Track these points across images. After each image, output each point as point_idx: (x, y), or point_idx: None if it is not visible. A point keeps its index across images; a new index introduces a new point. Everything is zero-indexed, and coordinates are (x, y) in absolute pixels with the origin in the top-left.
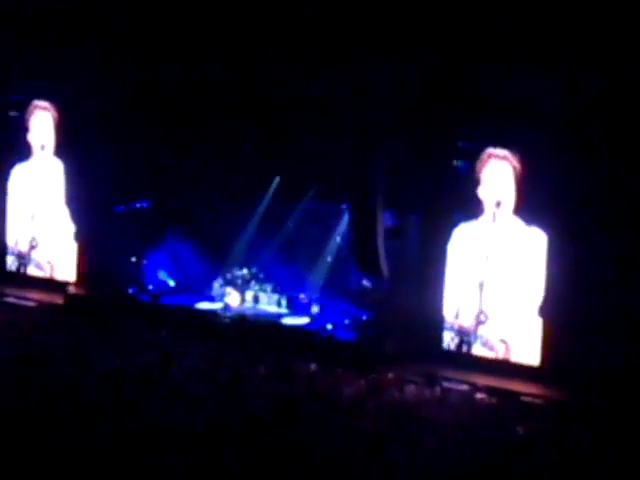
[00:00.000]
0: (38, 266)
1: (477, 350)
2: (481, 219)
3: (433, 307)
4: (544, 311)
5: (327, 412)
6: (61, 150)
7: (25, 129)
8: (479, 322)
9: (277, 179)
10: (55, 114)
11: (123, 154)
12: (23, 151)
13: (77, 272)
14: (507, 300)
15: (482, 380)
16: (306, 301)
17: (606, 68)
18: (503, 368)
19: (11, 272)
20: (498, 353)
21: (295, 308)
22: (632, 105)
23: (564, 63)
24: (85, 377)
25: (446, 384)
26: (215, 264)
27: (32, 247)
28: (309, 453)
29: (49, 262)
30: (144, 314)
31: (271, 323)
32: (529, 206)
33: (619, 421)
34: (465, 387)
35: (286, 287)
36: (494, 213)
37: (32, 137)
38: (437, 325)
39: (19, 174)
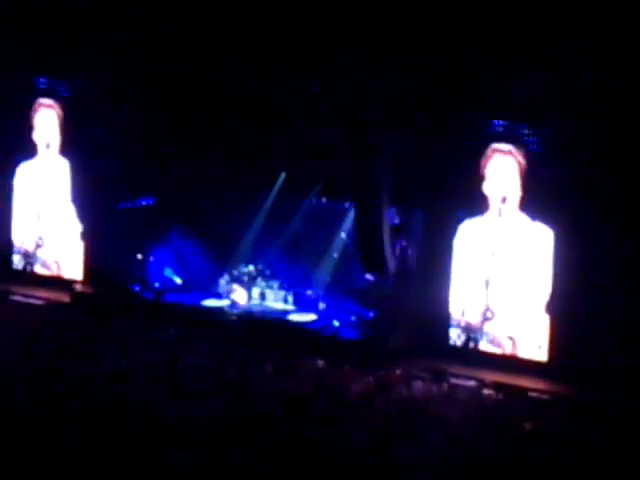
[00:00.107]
0: (44, 265)
1: (484, 347)
2: (487, 215)
3: (439, 303)
4: (551, 307)
5: (334, 409)
6: (66, 148)
7: (30, 127)
8: (485, 319)
9: (283, 175)
10: (60, 112)
11: (127, 151)
12: (28, 150)
13: (83, 270)
14: (513, 296)
15: (489, 376)
16: (313, 297)
17: (612, 64)
18: (510, 364)
19: (18, 270)
20: (505, 350)
21: (302, 305)
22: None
23: (568, 58)
24: (92, 375)
25: (453, 380)
26: (221, 261)
27: (38, 246)
28: (317, 450)
29: (56, 261)
30: (150, 312)
31: (278, 320)
32: (534, 202)
33: (627, 417)
34: (472, 383)
35: (292, 284)
36: (500, 209)
37: (37, 135)
38: (444, 321)
39: (24, 173)
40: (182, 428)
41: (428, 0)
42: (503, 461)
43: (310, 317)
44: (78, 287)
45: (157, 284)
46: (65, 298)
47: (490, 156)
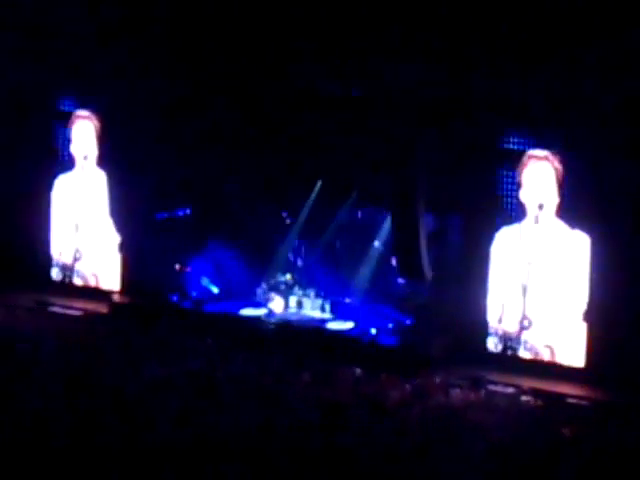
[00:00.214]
0: (83, 278)
1: (522, 354)
2: (524, 222)
3: (477, 310)
4: (589, 315)
5: (372, 417)
6: (103, 160)
7: (67, 140)
8: (523, 327)
9: (319, 183)
10: (97, 123)
11: (164, 161)
12: (66, 162)
13: (121, 281)
14: (551, 305)
15: (527, 383)
16: (351, 305)
17: None
18: (548, 370)
19: (56, 282)
20: (543, 358)
21: (339, 313)
22: None
23: (604, 61)
24: (130, 385)
25: (491, 387)
26: (258, 270)
27: (76, 259)
28: (355, 458)
29: (94, 273)
30: (188, 321)
31: (315, 328)
32: (572, 208)
33: None
34: (511, 390)
35: (330, 292)
36: (536, 216)
37: (74, 148)
38: (481, 328)
39: (62, 185)
40: (220, 437)
41: (462, 8)
42: (542, 468)
43: (347, 325)
44: (116, 298)
45: (195, 294)
46: (103, 309)
47: (526, 163)
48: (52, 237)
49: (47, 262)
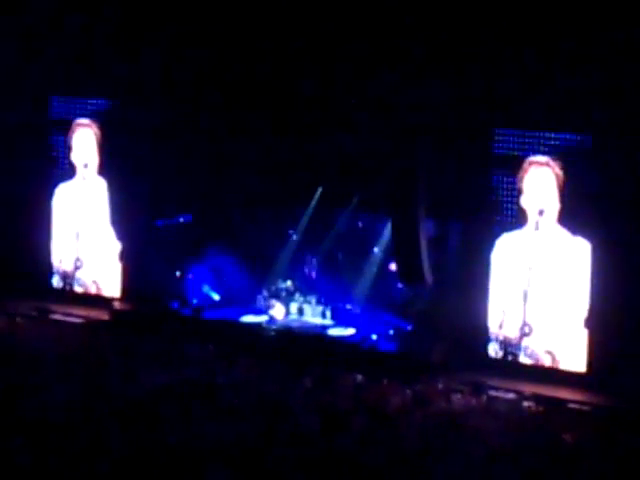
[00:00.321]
0: (83, 286)
1: (523, 360)
2: (524, 229)
3: (477, 316)
4: (589, 321)
5: (373, 423)
6: (104, 168)
7: (68, 148)
8: (523, 334)
9: (319, 190)
10: (97, 131)
11: (164, 168)
12: (66, 170)
13: (121, 288)
14: (552, 311)
15: (529, 388)
16: (351, 311)
17: None
18: (549, 376)
19: (57, 289)
20: (544, 364)
21: (340, 319)
22: None
23: (608, 66)
24: (131, 392)
25: (492, 393)
26: (258, 277)
27: (77, 267)
28: (356, 464)
29: (94, 281)
30: (188, 328)
31: (316, 335)
32: (572, 214)
33: None
34: (512, 395)
35: (330, 298)
36: (537, 222)
37: (75, 156)
38: (482, 334)
39: (63, 193)
40: (222, 444)
41: (464, 18)
42: (544, 473)
43: (348, 331)
44: (117, 305)
45: (195, 301)
46: (104, 316)
47: (527, 169)
48: (53, 245)
49: (48, 270)
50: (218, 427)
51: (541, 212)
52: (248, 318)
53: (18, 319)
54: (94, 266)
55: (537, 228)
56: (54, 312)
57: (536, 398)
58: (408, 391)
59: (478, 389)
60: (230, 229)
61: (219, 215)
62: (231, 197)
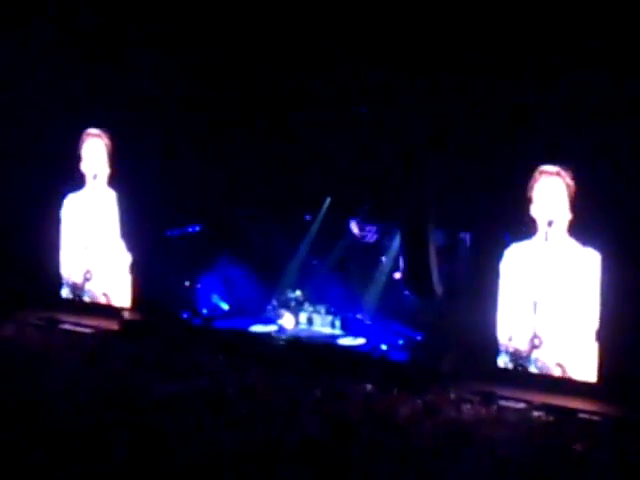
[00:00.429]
0: (93, 298)
1: (533, 371)
2: (534, 239)
3: (487, 326)
4: (600, 331)
5: (383, 433)
6: (114, 178)
7: (77, 158)
8: (533, 346)
9: (328, 200)
10: (107, 141)
11: (174, 179)
12: (76, 181)
13: (131, 297)
14: (562, 323)
15: (539, 398)
16: (362, 321)
17: None
18: (560, 385)
19: (66, 299)
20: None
21: (349, 329)
22: None
23: (622, 74)
24: (141, 402)
25: (502, 403)
26: (268, 286)
27: (86, 279)
28: (366, 474)
29: (104, 293)
30: (198, 338)
31: (326, 345)
32: (583, 225)
33: None
34: (522, 405)
35: (340, 308)
36: (546, 232)
37: (84, 166)
38: (492, 345)
39: (72, 204)
40: (231, 453)
41: (472, 26)
42: None
43: (358, 341)
44: (127, 315)
45: (205, 310)
46: (114, 326)
47: (537, 178)
48: (62, 257)
49: (57, 281)
50: (227, 437)
51: (550, 223)
52: (258, 328)
53: (28, 328)
54: (104, 278)
55: (547, 239)
56: (64, 322)
57: (546, 408)
58: (418, 401)
59: (488, 399)
60: (240, 239)
61: (229, 225)
62: (240, 207)
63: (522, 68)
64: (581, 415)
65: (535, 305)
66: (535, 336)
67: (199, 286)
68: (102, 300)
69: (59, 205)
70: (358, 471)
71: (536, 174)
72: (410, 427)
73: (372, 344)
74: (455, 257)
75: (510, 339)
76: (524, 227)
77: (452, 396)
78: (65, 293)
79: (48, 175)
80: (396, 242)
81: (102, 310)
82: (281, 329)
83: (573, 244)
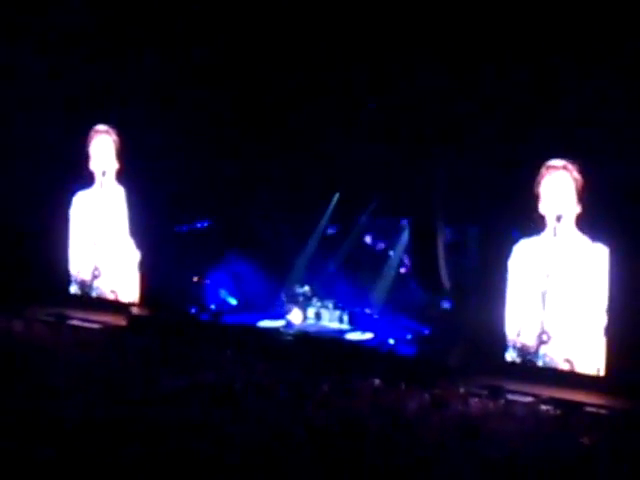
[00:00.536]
0: (101, 295)
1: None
2: (542, 235)
3: (495, 321)
4: (609, 328)
5: (391, 427)
6: (122, 174)
7: (86, 156)
8: (541, 342)
9: (337, 196)
10: (116, 138)
11: (183, 174)
12: (85, 178)
13: (140, 293)
14: (570, 319)
15: (546, 392)
16: (370, 316)
17: None
18: (567, 379)
19: (75, 295)
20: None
21: (357, 324)
22: None
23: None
24: (150, 397)
25: (510, 396)
26: (276, 282)
27: (95, 276)
28: (374, 469)
29: (112, 290)
30: (207, 333)
31: (333, 339)
32: (591, 220)
33: None
34: (529, 399)
35: (348, 303)
36: (555, 228)
37: (93, 163)
38: (500, 340)
39: (81, 201)
40: (239, 448)
41: (479, 22)
42: (562, 477)
43: (366, 335)
44: (135, 310)
45: (213, 306)
46: (122, 321)
47: (544, 173)
48: (71, 254)
49: (66, 278)
50: (236, 431)
51: (559, 218)
52: (266, 323)
53: (37, 324)
54: (112, 275)
55: (555, 234)
56: (72, 318)
57: (554, 402)
58: (426, 395)
59: (496, 393)
60: (248, 234)
61: (237, 221)
62: (249, 203)
63: (528, 64)
64: (588, 409)
65: (543, 301)
66: (543, 332)
67: (207, 281)
68: (110, 297)
69: (68, 203)
70: (366, 465)
71: (543, 169)
72: (418, 421)
73: (380, 339)
74: (464, 252)
75: (518, 334)
76: (532, 223)
77: (460, 390)
78: (74, 290)
79: (57, 173)
80: (404, 237)
81: (110, 306)
82: (289, 324)
83: (582, 239)
